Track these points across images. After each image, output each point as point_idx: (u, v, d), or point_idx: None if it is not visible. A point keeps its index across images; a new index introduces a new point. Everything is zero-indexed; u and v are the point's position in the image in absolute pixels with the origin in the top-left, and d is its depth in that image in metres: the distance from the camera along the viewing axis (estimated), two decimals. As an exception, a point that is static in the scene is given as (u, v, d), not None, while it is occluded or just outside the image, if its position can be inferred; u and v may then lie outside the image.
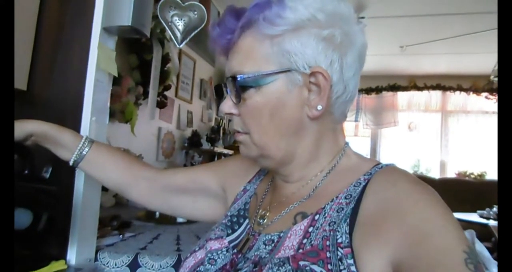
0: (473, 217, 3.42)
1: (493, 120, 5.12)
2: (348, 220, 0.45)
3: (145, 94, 2.30)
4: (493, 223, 3.08)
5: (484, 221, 3.25)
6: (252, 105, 0.50)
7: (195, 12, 1.66)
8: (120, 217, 1.27)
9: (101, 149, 0.71)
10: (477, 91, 4.95)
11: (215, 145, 3.09)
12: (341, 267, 0.41)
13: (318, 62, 0.48)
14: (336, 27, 0.48)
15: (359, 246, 0.42)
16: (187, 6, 1.63)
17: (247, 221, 0.58)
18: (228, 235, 0.57)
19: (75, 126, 0.90)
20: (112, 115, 1.93)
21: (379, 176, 0.48)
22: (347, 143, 0.56)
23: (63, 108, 0.93)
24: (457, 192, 4.30)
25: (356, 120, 5.38)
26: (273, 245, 0.49)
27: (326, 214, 0.47)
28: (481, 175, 4.98)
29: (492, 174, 4.97)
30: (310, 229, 0.47)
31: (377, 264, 0.40)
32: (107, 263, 0.95)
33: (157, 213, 1.45)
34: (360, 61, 0.52)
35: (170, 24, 1.66)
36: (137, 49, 2.22)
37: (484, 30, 3.59)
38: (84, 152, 0.69)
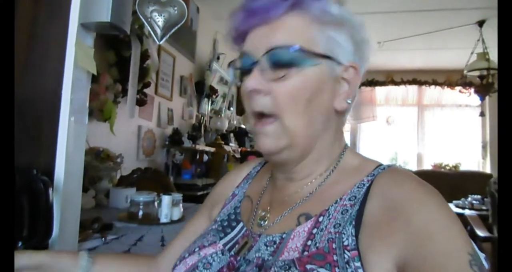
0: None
1: (467, 113, 5.31)
2: (353, 222, 0.44)
3: (124, 92, 2.24)
4: (468, 212, 3.20)
5: (460, 211, 3.37)
6: (292, 84, 0.48)
7: (175, 8, 1.62)
8: (101, 219, 1.23)
9: (104, 264, 0.63)
10: (451, 85, 5.10)
11: (196, 142, 3.06)
12: (349, 270, 0.41)
13: (353, 59, 0.52)
14: (363, 35, 0.53)
15: (366, 248, 0.42)
16: (166, 2, 1.60)
17: (241, 224, 0.56)
18: (221, 238, 0.55)
19: (52, 127, 0.86)
20: (90, 114, 1.88)
21: (382, 178, 0.48)
22: (346, 144, 0.57)
23: (40, 108, 0.88)
24: (434, 183, 4.32)
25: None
26: (275, 246, 0.48)
27: (331, 216, 0.47)
28: (455, 167, 5.15)
29: (466, 165, 5.16)
30: (314, 231, 0.46)
31: (383, 266, 0.40)
32: (90, 268, 0.92)
33: (140, 213, 1.42)
34: (363, 77, 0.55)
35: (149, 20, 1.62)
36: (115, 46, 2.16)
37: (458, 26, 3.70)
38: None
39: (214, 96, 3.81)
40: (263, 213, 0.55)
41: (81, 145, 0.94)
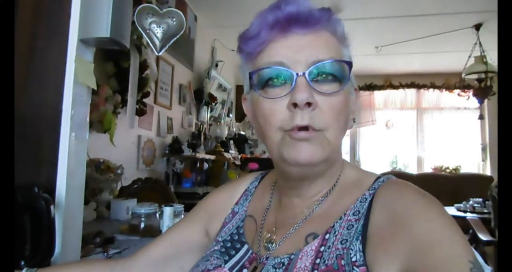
0: (451, 211, 3.53)
1: (465, 116, 5.32)
2: (360, 238, 0.44)
3: (123, 102, 2.24)
4: (470, 216, 3.19)
5: (461, 214, 3.36)
6: (339, 100, 0.49)
7: (174, 19, 1.63)
8: (103, 233, 1.23)
9: None
10: (449, 88, 5.12)
11: (196, 150, 3.05)
12: None
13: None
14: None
15: (372, 262, 0.42)
16: (165, 13, 1.60)
17: (246, 246, 0.55)
18: (226, 262, 0.54)
19: (53, 143, 0.86)
20: (90, 126, 1.87)
21: (384, 190, 0.48)
22: (344, 159, 0.57)
23: (40, 124, 0.88)
24: (435, 186, 4.42)
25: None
26: (283, 268, 0.47)
27: (337, 232, 0.47)
28: (456, 169, 5.15)
29: (466, 167, 5.16)
30: (322, 249, 0.46)
31: None
32: (93, 284, 0.91)
33: (142, 225, 1.41)
34: None
35: (148, 31, 1.62)
36: (114, 57, 2.16)
37: (455, 30, 3.72)
38: None
39: (213, 104, 3.82)
40: (268, 235, 0.54)
41: (83, 160, 0.94)
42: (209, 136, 3.58)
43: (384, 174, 0.54)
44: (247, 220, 0.59)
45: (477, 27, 3.69)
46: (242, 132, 4.55)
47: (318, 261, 0.45)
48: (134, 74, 2.38)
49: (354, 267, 0.42)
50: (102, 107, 1.94)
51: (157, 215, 1.46)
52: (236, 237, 0.57)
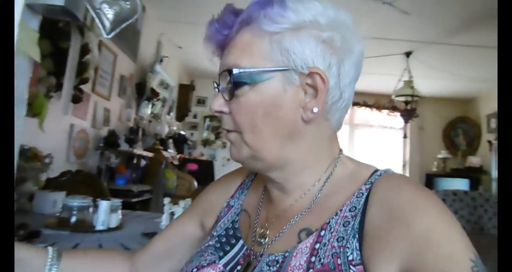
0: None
1: (391, 134, 5.82)
2: (357, 236, 0.43)
3: (58, 86, 2.05)
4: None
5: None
6: (246, 102, 0.48)
7: (128, 3, 1.54)
8: (28, 226, 1.09)
9: (71, 262, 0.59)
10: (379, 107, 5.56)
11: (133, 146, 2.89)
12: None
13: (316, 64, 0.46)
14: (335, 31, 0.47)
15: (369, 260, 0.41)
16: (120, -6, 1.51)
17: (241, 241, 0.53)
18: (220, 258, 0.52)
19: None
20: (17, 107, 1.67)
21: (380, 185, 0.46)
22: (341, 150, 0.55)
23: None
24: None
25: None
26: (277, 266, 0.46)
27: (332, 229, 0.45)
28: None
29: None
30: (317, 246, 0.45)
31: None
32: (15, 280, 0.80)
33: (73, 219, 1.29)
34: (357, 69, 0.51)
35: (98, 11, 1.50)
36: (52, 34, 1.96)
37: (388, 55, 4.07)
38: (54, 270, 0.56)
39: (155, 99, 3.67)
40: (262, 230, 0.52)
41: (16, 141, 0.83)
42: (148, 132, 3.42)
43: None
44: (242, 214, 0.58)
45: (408, 54, 4.09)
46: (182, 132, 4.44)
47: (313, 259, 0.44)
48: (73, 57, 2.20)
49: (351, 266, 0.41)
50: (33, 88, 1.74)
51: (91, 209, 1.34)
52: (231, 232, 0.56)
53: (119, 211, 1.42)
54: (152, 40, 3.79)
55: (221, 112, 0.51)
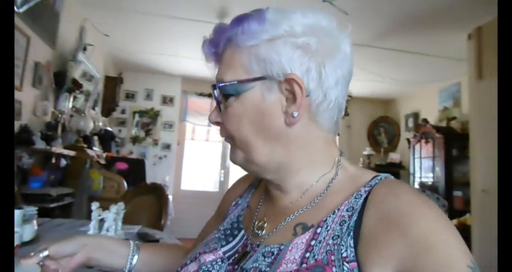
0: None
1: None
2: (352, 234, 0.45)
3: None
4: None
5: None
6: (232, 112, 0.52)
7: (46, -28, 1.28)
8: None
9: (148, 254, 0.69)
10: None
11: (51, 144, 2.53)
12: None
13: (293, 70, 0.49)
14: (311, 36, 0.50)
15: (364, 260, 0.42)
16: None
17: (242, 232, 0.58)
18: (222, 246, 0.56)
19: None
20: None
21: (380, 188, 0.48)
22: (341, 154, 0.56)
23: None
24: None
25: (209, 125, 5.46)
26: (272, 257, 0.48)
27: (329, 227, 0.47)
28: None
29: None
30: (313, 243, 0.47)
31: None
32: None
33: None
34: (343, 70, 0.52)
35: (7, -22, 1.22)
36: None
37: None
38: (134, 261, 0.67)
39: (77, 92, 3.28)
40: (260, 223, 0.56)
41: None
42: (69, 128, 3.04)
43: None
44: (246, 210, 0.63)
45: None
46: (109, 128, 4.06)
47: (307, 255, 0.46)
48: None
49: (345, 263, 0.43)
50: None
51: (-2, 220, 1.09)
52: (235, 225, 0.60)
53: (34, 221, 1.19)
54: (73, 25, 3.38)
55: (217, 122, 0.56)
